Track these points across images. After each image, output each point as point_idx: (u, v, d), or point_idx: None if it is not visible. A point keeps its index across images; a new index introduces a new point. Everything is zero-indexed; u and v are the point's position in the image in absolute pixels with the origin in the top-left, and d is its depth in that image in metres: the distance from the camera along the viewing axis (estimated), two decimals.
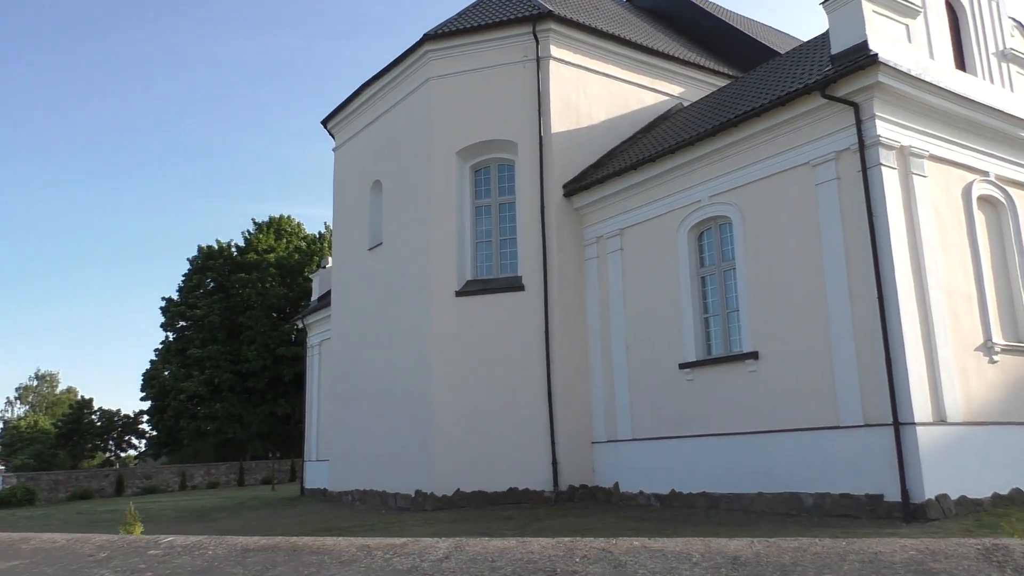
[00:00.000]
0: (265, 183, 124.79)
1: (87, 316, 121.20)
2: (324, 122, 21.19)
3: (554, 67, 16.67)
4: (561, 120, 16.53)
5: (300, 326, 28.04)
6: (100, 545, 3.62)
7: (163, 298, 57.69)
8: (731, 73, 19.44)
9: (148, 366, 57.52)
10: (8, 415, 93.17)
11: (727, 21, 21.92)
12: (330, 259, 28.41)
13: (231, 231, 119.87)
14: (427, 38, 17.28)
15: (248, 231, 60.88)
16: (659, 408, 14.12)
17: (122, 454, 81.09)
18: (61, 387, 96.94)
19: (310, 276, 56.69)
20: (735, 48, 21.09)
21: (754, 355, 12.48)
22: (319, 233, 62.68)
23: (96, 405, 78.53)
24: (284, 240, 60.21)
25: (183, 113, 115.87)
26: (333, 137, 21.45)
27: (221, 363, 53.44)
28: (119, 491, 36.56)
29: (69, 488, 35.19)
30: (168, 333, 57.55)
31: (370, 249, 18.83)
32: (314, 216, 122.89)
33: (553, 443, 15.13)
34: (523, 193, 16.36)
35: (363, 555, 2.84)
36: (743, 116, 12.65)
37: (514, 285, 16.04)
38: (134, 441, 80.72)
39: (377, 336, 18.00)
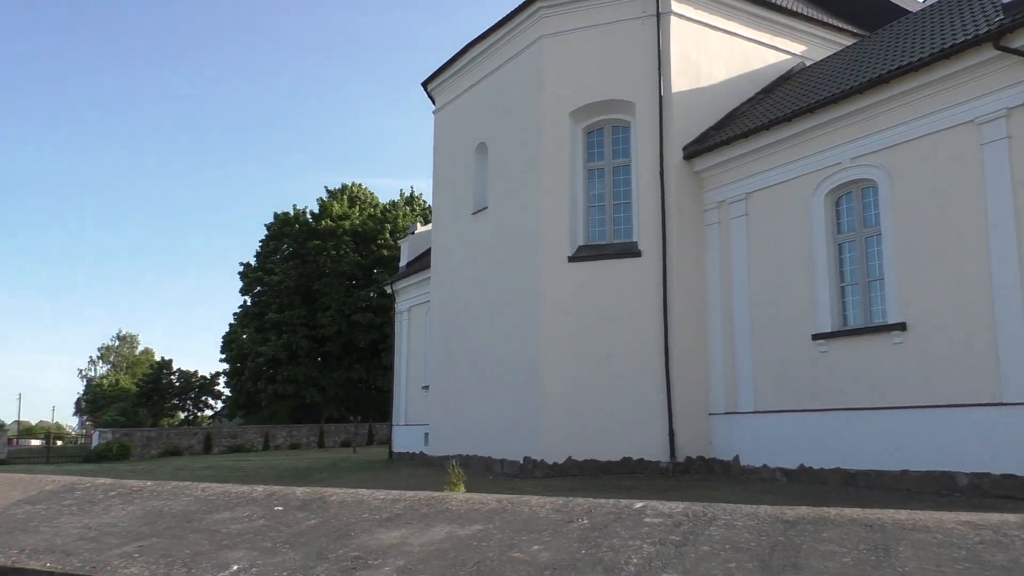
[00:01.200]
0: (335, 153, 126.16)
1: (168, 281, 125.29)
2: (424, 84, 20.86)
3: (675, 23, 15.96)
4: (681, 79, 15.85)
5: (389, 291, 28.04)
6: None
7: (241, 263, 58.86)
8: (856, 32, 18.37)
9: (227, 330, 58.96)
10: (91, 374, 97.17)
11: None
12: (419, 225, 28.34)
13: (306, 199, 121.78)
14: None
15: (322, 199, 61.48)
16: (787, 380, 13.52)
17: (199, 414, 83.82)
18: (140, 348, 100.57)
19: (396, 242, 57.44)
20: (857, 6, 19.92)
21: (901, 326, 11.76)
22: (392, 202, 63.03)
23: (175, 367, 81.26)
24: (358, 208, 60.59)
25: (262, 84, 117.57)
26: (433, 100, 21.12)
27: (297, 328, 54.34)
28: (207, 449, 37.58)
29: (161, 445, 36.32)
30: (246, 298, 58.79)
31: (474, 213, 18.51)
32: (384, 187, 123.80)
33: (670, 413, 14.68)
34: (640, 155, 15.78)
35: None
36: (897, 71, 11.81)
37: (630, 251, 15.54)
38: (211, 402, 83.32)
39: (482, 302, 17.74)
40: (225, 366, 70.65)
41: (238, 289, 58.82)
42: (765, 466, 13.71)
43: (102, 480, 4.29)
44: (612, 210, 16.15)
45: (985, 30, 10.81)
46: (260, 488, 3.78)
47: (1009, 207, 10.64)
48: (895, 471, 11.65)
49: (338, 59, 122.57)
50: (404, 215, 60.87)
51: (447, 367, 19.14)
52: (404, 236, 28.49)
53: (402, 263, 28.25)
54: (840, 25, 18.21)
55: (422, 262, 26.76)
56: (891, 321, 11.97)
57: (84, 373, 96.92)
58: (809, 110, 13.19)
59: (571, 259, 15.80)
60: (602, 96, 16.19)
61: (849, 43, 18.11)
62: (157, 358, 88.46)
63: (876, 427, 11.99)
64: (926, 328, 11.49)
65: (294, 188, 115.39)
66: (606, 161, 16.39)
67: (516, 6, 17.43)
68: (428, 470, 18.36)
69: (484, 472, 16.88)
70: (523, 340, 16.05)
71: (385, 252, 57.14)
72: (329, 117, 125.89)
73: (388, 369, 55.44)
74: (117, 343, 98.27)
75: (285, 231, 57.77)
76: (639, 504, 3.55)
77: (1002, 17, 10.85)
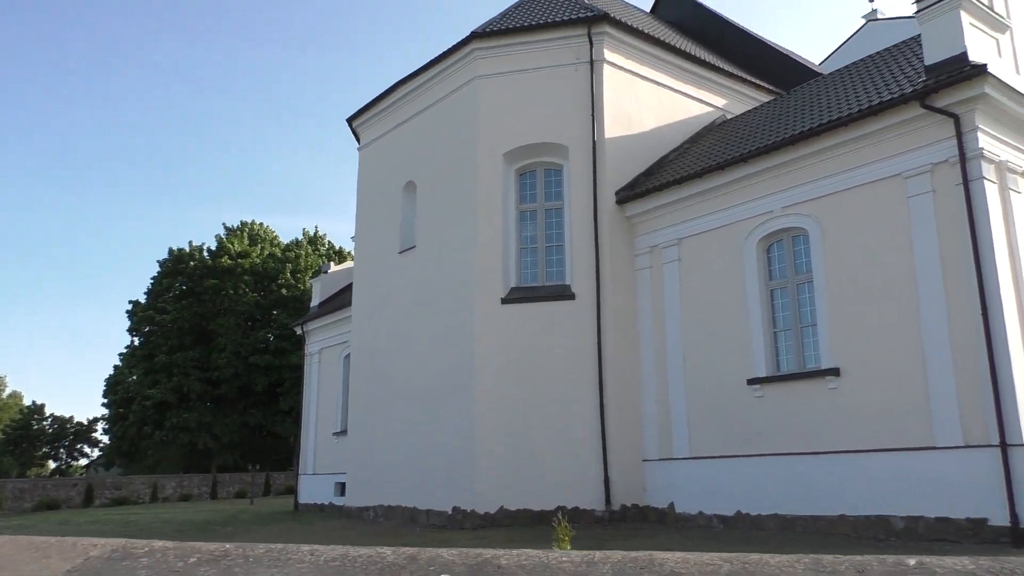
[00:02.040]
0: (233, 193, 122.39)
1: (41, 319, 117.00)
2: (350, 120, 20.38)
3: (607, 71, 16.22)
4: (613, 125, 16.06)
5: (299, 332, 26.96)
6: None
7: (130, 301, 55.73)
8: (772, 89, 19.22)
9: (111, 372, 55.32)
10: None
11: (761, 38, 21.78)
12: (332, 264, 27.52)
13: (202, 236, 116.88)
14: (475, 36, 16.69)
15: (220, 235, 59.15)
16: (722, 425, 13.60)
17: (73, 463, 77.99)
18: (7, 392, 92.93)
19: (297, 282, 55.58)
20: (769, 65, 20.92)
21: (835, 371, 12.04)
22: (296, 240, 61.33)
23: (47, 411, 75.58)
24: (259, 246, 58.65)
25: (146, 119, 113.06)
26: (358, 137, 20.66)
27: (190, 370, 51.60)
28: (88, 501, 34.73)
29: (35, 497, 33.32)
30: (134, 338, 55.49)
31: (401, 252, 18.04)
32: (284, 226, 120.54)
33: (605, 460, 14.49)
34: (573, 198, 15.80)
35: None
36: (828, 125, 12.29)
37: (564, 293, 15.43)
38: (87, 450, 77.69)
39: (409, 343, 17.19)
40: (104, 411, 66.31)
41: (125, 328, 55.55)
42: (701, 513, 13.66)
43: (162, 543, 3.56)
44: (544, 252, 16.06)
45: (911, 90, 11.41)
46: (389, 551, 3.13)
47: (935, 256, 11.13)
48: (832, 516, 11.80)
49: (239, 96, 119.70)
50: (307, 254, 59.37)
51: (368, 412, 18.37)
52: (311, 275, 27.54)
53: (314, 303, 27.29)
54: (757, 82, 19.01)
55: (335, 302, 25.94)
56: (825, 366, 12.24)
57: None
58: (742, 159, 13.54)
59: (504, 300, 15.55)
60: (536, 139, 16.19)
61: (766, 99, 18.93)
62: (27, 402, 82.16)
63: (812, 472, 12.15)
64: (859, 373, 11.80)
65: (187, 225, 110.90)
66: (539, 203, 16.33)
67: (450, 46, 17.34)
68: (347, 521, 17.43)
69: (409, 524, 16.15)
70: (455, 383, 15.58)
71: (285, 291, 55.41)
72: (227, 154, 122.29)
73: (287, 414, 53.60)
74: None
75: (180, 268, 55.09)
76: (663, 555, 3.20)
77: (925, 78, 11.49)
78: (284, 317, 53.72)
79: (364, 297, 19.25)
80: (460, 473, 15.16)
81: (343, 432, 23.78)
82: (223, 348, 52.26)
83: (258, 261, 56.49)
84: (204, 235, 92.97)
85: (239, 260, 55.61)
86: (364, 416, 18.53)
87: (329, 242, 63.03)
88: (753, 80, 18.91)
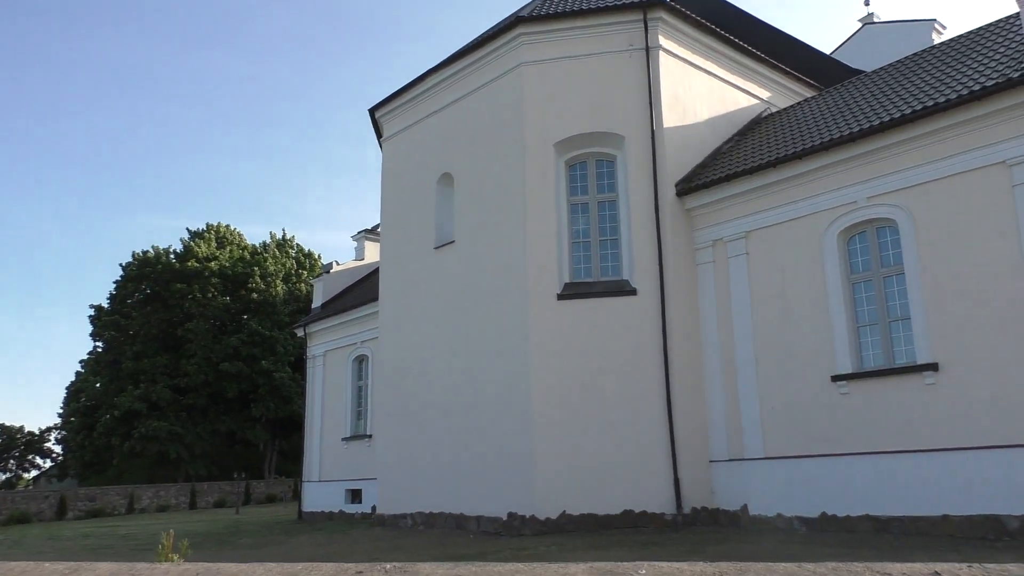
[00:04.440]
0: (192, 201, 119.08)
1: None
2: (373, 110, 19.40)
3: (663, 58, 15.63)
4: (670, 115, 15.46)
5: (300, 334, 25.76)
6: None
7: (92, 306, 53.39)
8: (813, 83, 18.89)
9: (74, 378, 52.85)
10: None
11: (788, 34, 21.47)
12: (336, 263, 26.42)
13: (164, 243, 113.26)
14: (520, 20, 15.95)
15: (184, 239, 57.09)
16: (802, 424, 13.05)
17: (23, 475, 74.59)
18: None
19: (267, 286, 53.81)
20: (801, 61, 20.60)
21: (933, 366, 11.58)
22: (264, 243, 59.51)
23: None
24: (226, 249, 56.70)
25: (105, 126, 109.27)
26: (380, 128, 19.70)
27: (158, 377, 49.53)
28: (60, 514, 32.84)
29: (4, 511, 31.31)
30: (97, 344, 53.12)
31: (437, 248, 17.14)
32: (250, 232, 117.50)
33: (675, 461, 13.83)
34: (631, 191, 15.14)
35: None
36: (924, 112, 11.86)
37: (624, 289, 14.74)
38: (38, 461, 74.35)
39: (450, 342, 16.29)
40: (58, 420, 63.28)
41: (88, 334, 53.13)
42: (780, 515, 13.08)
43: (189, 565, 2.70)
44: (598, 246, 15.36)
45: (1019, 73, 11.03)
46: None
47: None
48: (934, 516, 11.32)
49: (195, 103, 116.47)
50: (275, 257, 57.64)
51: (400, 416, 17.39)
52: (318, 275, 26.43)
53: (315, 303, 26.09)
54: (801, 76, 18.64)
55: (340, 303, 24.87)
56: (921, 361, 11.78)
57: None
58: (823, 148, 13.06)
59: (560, 296, 14.80)
60: (589, 128, 15.50)
61: (807, 93, 18.59)
62: None
63: (909, 470, 11.66)
64: (961, 368, 11.36)
65: (148, 233, 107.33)
66: (590, 196, 15.63)
67: (492, 31, 16.57)
68: (386, 530, 16.42)
69: (456, 531, 15.25)
70: (509, 383, 14.76)
71: (256, 296, 53.60)
72: (189, 158, 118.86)
73: (257, 421, 51.81)
74: None
75: (145, 272, 52.88)
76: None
77: None
78: (254, 322, 52.03)
79: (393, 295, 18.27)
80: (516, 477, 14.33)
81: (355, 438, 22.75)
82: (192, 354, 50.32)
83: (227, 264, 54.59)
84: (167, 241, 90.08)
85: (207, 263, 53.67)
86: (395, 420, 17.53)
87: (298, 245, 61.38)
88: (796, 74, 18.53)
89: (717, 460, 14.13)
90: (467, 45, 17.36)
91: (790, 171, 13.62)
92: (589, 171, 15.74)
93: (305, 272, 58.25)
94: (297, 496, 42.29)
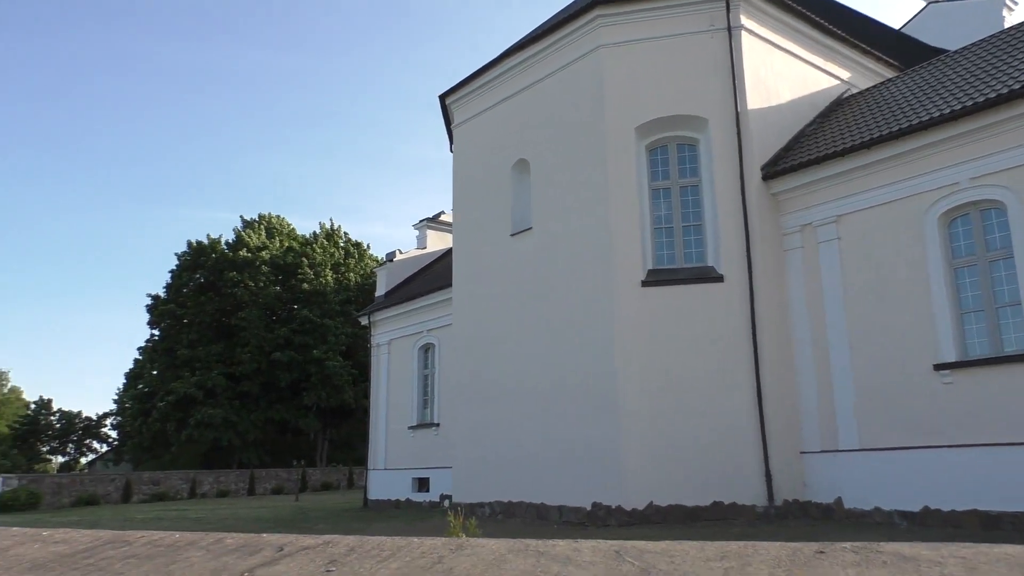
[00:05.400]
0: (244, 193, 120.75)
1: (44, 312, 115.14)
2: (443, 96, 19.27)
3: (745, 38, 15.23)
4: (754, 97, 15.07)
5: (364, 323, 25.85)
6: None
7: (149, 295, 54.34)
8: (893, 63, 18.28)
9: (132, 365, 53.95)
10: None
11: (863, 13, 20.83)
12: (399, 251, 26.42)
13: (215, 231, 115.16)
14: (598, 2, 15.64)
15: (237, 228, 57.87)
16: (902, 415, 12.64)
17: (81, 459, 76.62)
18: (9, 387, 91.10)
19: (316, 276, 54.30)
20: (876, 39, 19.97)
21: None
22: (313, 234, 60.00)
23: (55, 407, 74.26)
24: (276, 239, 57.28)
25: (163, 117, 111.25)
26: (450, 115, 19.56)
27: (212, 364, 50.32)
28: (126, 497, 33.52)
29: (73, 493, 32.09)
30: (154, 332, 54.11)
31: (513, 235, 16.98)
32: (298, 224, 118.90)
33: (766, 452, 13.53)
34: (716, 175, 14.80)
35: None
36: None
37: (710, 275, 14.44)
38: (95, 445, 76.31)
39: (528, 330, 16.14)
40: (114, 406, 64.70)
41: (145, 322, 54.19)
42: (877, 508, 12.72)
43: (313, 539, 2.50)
44: (681, 232, 15.06)
45: None
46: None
47: None
48: None
49: (249, 98, 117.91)
50: (323, 247, 58.04)
51: (475, 404, 17.31)
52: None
53: (379, 292, 26.14)
54: (882, 56, 18.04)
55: (404, 291, 24.88)
56: None
57: None
58: (923, 127, 12.59)
59: (644, 283, 14.55)
60: (670, 111, 15.18)
61: (888, 74, 18.00)
62: (26, 397, 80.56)
63: (1021, 463, 11.22)
64: None
65: (203, 224, 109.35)
66: (672, 180, 15.32)
67: (567, 14, 16.30)
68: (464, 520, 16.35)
69: (538, 520, 15.15)
70: (592, 371, 14.57)
71: (306, 286, 54.05)
72: (230, 151, 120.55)
73: (308, 410, 52.38)
74: None
75: (200, 261, 53.70)
76: None
77: None
78: (304, 312, 52.50)
79: (467, 282, 18.17)
80: (601, 467, 14.16)
81: (421, 426, 22.77)
82: (246, 343, 50.98)
83: (278, 253, 55.17)
84: (224, 233, 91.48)
85: (258, 252, 54.28)
86: (470, 408, 17.46)
87: (346, 235, 61.76)
88: (877, 54, 17.94)
89: (809, 451, 13.79)
90: (541, 28, 17.13)
91: (886, 151, 13.17)
92: (670, 155, 15.43)
93: (353, 261, 58.66)
94: (352, 484, 42.95)
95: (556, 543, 2.31)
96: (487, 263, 17.54)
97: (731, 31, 15.13)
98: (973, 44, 15.94)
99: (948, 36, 22.67)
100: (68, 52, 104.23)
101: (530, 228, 16.56)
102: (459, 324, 18.20)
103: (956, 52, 16.15)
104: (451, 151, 19.81)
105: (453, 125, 19.37)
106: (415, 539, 2.31)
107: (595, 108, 15.49)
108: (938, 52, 18.70)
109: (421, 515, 18.76)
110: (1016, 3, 26.66)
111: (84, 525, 19.65)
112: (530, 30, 18.57)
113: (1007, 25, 21.48)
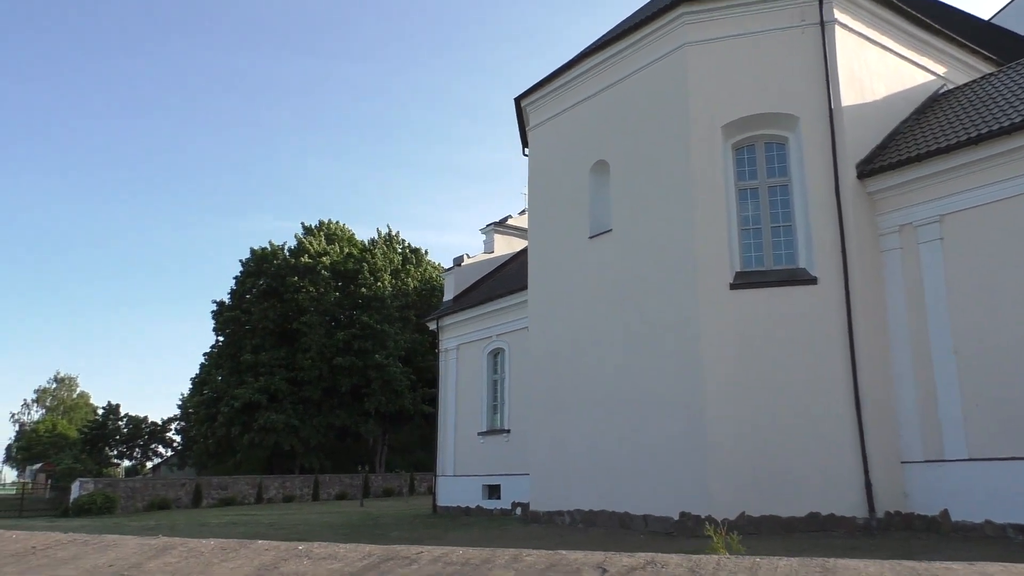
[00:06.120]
0: (303, 197, 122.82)
1: (111, 319, 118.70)
2: (519, 99, 19.12)
3: (839, 33, 14.71)
4: (848, 94, 14.53)
5: (433, 327, 25.80)
6: None
7: (214, 301, 55.41)
8: (991, 56, 17.50)
9: (198, 371, 55.06)
10: (24, 417, 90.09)
11: (954, 5, 20.06)
12: (467, 256, 26.35)
13: (276, 239, 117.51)
14: (682, 0, 15.30)
15: (299, 235, 58.74)
16: (1018, 423, 11.97)
17: (147, 463, 78.53)
18: (78, 392, 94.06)
19: (376, 282, 54.72)
20: (970, 33, 19.17)
21: None
22: (372, 240, 60.54)
23: (122, 412, 76.24)
24: (336, 245, 57.92)
25: (218, 131, 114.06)
26: (525, 117, 19.39)
27: (275, 370, 51.02)
28: (196, 502, 34.08)
29: (146, 497, 32.77)
30: (219, 338, 55.13)
31: (592, 237, 16.70)
32: (357, 231, 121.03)
33: (866, 462, 12.95)
34: (807, 174, 14.30)
35: None
36: None
37: (802, 278, 13.94)
38: (161, 450, 78.09)
39: (608, 334, 15.82)
40: (178, 411, 66.11)
41: (211, 329, 55.28)
42: (988, 522, 12.05)
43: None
44: (770, 233, 14.59)
45: None
46: None
47: None
48: None
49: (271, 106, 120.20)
50: (383, 253, 58.46)
51: (553, 411, 17.03)
52: (448, 269, 26.40)
53: (447, 297, 26.08)
54: (979, 49, 17.29)
55: (472, 296, 24.75)
56: None
57: (16, 417, 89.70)
58: None
59: (732, 286, 14.12)
60: (759, 109, 14.74)
61: (985, 68, 17.24)
62: (94, 403, 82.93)
63: None
64: None
65: (270, 231, 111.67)
66: (759, 180, 14.87)
67: (650, 12, 15.99)
68: (544, 528, 16.10)
69: (620, 530, 14.78)
70: (678, 377, 14.17)
71: (364, 291, 54.46)
72: (292, 161, 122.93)
73: (369, 415, 52.69)
74: (55, 385, 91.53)
75: (263, 268, 54.62)
76: None
77: None
78: (362, 316, 52.90)
79: (544, 286, 17.93)
80: (688, 475, 13.74)
81: (491, 432, 22.57)
82: (307, 348, 51.57)
83: (338, 259, 55.78)
84: (283, 239, 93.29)
85: (319, 258, 54.95)
86: (548, 414, 17.19)
87: (405, 241, 62.16)
88: (974, 47, 17.20)
89: (910, 461, 13.17)
90: (622, 27, 16.86)
91: (996, 148, 12.54)
92: (758, 154, 14.98)
93: (411, 267, 58.99)
94: (413, 490, 43.02)
95: (845, 562, 2.02)
96: (565, 265, 17.29)
97: (823, 26, 14.63)
98: None
99: None
100: (144, 71, 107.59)
101: (610, 230, 16.26)
102: (536, 328, 17.97)
103: None
104: (524, 154, 19.64)
105: (529, 127, 19.19)
106: (694, 556, 2.05)
107: (679, 107, 15.13)
108: None
109: (495, 523, 18.53)
110: None
111: (165, 529, 19.95)
112: (602, 33, 18.30)
113: None
